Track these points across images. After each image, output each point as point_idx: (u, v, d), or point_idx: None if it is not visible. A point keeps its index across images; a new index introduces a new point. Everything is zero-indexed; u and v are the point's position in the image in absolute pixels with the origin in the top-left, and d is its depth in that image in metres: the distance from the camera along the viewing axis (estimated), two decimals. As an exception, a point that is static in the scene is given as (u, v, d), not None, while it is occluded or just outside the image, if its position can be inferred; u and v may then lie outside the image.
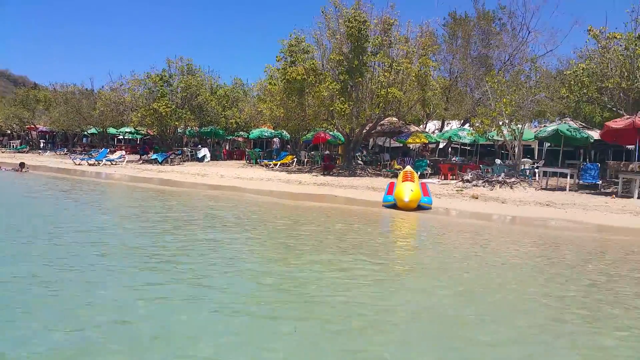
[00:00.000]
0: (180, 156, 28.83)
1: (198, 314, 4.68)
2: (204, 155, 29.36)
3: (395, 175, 17.54)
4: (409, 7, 66.15)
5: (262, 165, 26.18)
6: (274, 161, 26.45)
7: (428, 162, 22.18)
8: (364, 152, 27.75)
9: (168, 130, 30.45)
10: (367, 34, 19.71)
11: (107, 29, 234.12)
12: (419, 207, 12.97)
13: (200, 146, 31.62)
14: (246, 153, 30.95)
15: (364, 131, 22.78)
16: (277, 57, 21.58)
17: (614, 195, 14.76)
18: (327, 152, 25.17)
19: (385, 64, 20.11)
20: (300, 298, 5.37)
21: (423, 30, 21.31)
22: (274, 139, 31.34)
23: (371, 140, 30.33)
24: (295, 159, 26.49)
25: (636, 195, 14.28)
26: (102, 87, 38.17)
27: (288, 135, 29.26)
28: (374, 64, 20.80)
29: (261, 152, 30.61)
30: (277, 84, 22.84)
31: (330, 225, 10.35)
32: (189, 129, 32.59)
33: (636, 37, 15.82)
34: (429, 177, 20.35)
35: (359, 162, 24.27)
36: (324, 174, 21.43)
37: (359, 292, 5.59)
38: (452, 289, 5.87)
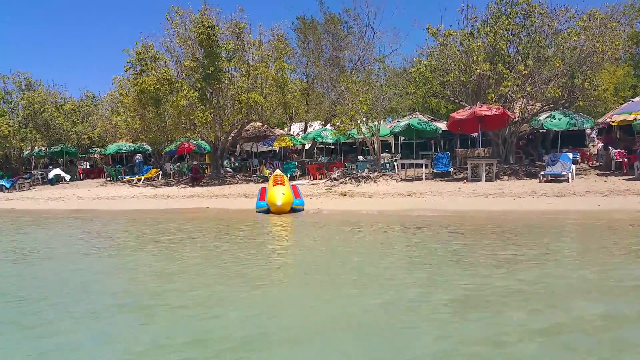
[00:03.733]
0: (30, 180, 25.68)
1: None
2: (57, 176, 26.43)
3: (266, 180, 17.41)
4: (258, 11, 66.48)
5: (124, 182, 24.25)
6: (137, 176, 24.66)
7: (296, 163, 22.43)
8: (232, 159, 27.19)
9: (12, 153, 27.23)
10: (218, 39, 19.24)
11: None
12: (292, 210, 13.00)
13: (51, 167, 28.48)
14: (105, 170, 28.49)
15: (230, 138, 22.25)
16: (125, 67, 20.17)
17: (465, 181, 16.10)
18: (194, 162, 24.15)
19: (242, 69, 19.83)
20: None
21: (274, 34, 21.50)
22: (137, 154, 29.28)
23: (238, 146, 29.86)
24: (160, 172, 25.00)
25: (484, 178, 15.81)
26: None
27: (150, 148, 27.57)
28: (231, 69, 20.40)
29: (122, 167, 28.37)
30: (129, 95, 21.29)
31: (209, 237, 9.75)
32: (37, 149, 29.41)
33: (468, 34, 17.37)
34: (298, 179, 20.57)
35: (228, 169, 23.66)
36: (192, 185, 20.48)
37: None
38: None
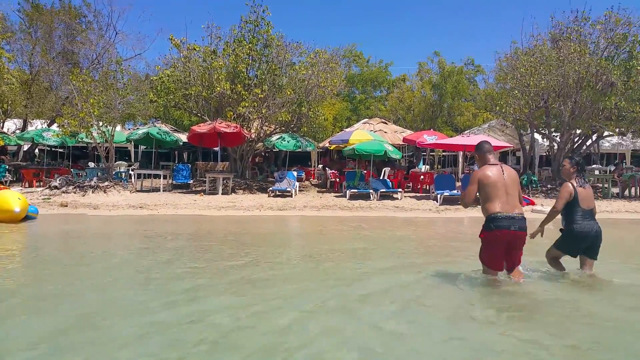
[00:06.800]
0: None
1: None
2: None
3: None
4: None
5: None
6: None
7: (7, 167, 18.93)
8: None
9: None
10: None
11: None
12: (26, 218, 10.92)
13: None
14: None
15: None
16: None
17: (202, 193, 16.28)
18: None
19: None
20: None
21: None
22: None
23: None
24: None
25: (220, 192, 16.24)
26: None
27: None
28: None
29: None
30: None
31: None
32: None
33: (211, 51, 17.80)
34: (10, 185, 17.36)
35: None
36: None
37: None
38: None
